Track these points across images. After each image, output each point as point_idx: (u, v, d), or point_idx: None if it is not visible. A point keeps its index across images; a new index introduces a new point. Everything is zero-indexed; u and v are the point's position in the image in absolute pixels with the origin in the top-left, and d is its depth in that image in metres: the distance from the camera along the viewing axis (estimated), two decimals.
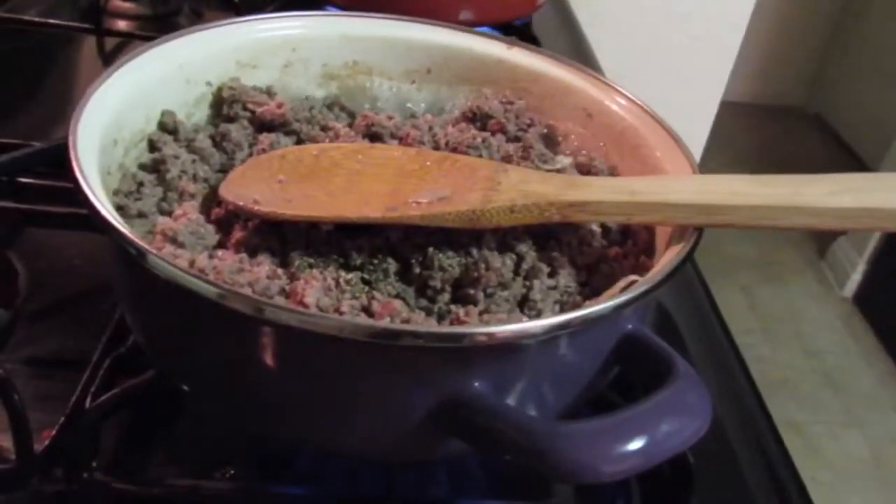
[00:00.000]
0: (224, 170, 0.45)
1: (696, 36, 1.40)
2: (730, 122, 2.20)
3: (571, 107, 0.49)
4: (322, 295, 0.35)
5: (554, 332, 0.31)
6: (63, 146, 0.35)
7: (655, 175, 0.43)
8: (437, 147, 0.48)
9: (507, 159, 0.46)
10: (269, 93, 0.50)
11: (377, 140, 0.48)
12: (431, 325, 0.36)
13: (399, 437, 0.34)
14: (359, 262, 0.39)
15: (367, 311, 0.36)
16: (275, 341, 0.32)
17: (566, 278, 0.40)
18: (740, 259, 2.23)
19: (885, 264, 2.05)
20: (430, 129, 0.49)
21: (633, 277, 0.36)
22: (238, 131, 0.47)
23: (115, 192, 0.41)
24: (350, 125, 0.49)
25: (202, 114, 0.48)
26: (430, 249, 0.39)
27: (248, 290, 0.35)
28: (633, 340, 0.35)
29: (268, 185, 0.41)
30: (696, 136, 1.50)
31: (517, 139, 0.49)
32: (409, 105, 0.53)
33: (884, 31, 2.62)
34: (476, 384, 0.32)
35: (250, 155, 0.46)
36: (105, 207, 0.32)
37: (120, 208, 0.40)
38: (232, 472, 0.40)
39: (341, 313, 0.35)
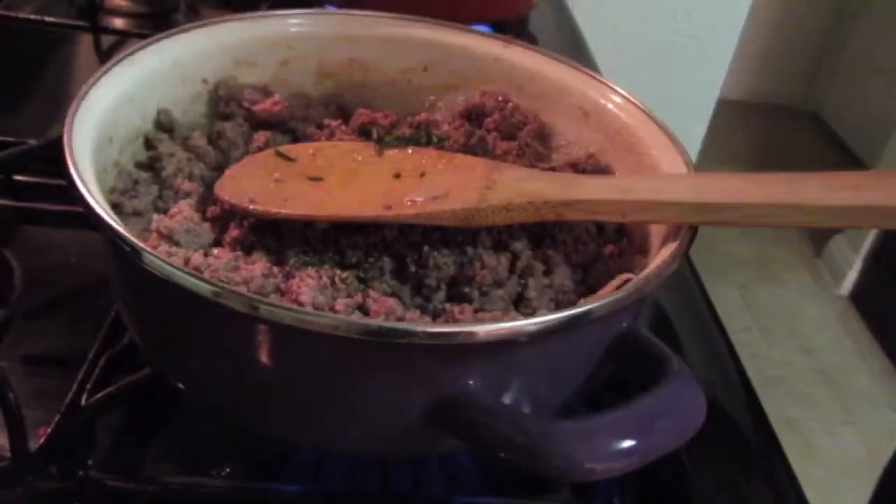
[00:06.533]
0: (220, 168, 0.45)
1: (693, 34, 1.41)
2: (726, 121, 2.20)
3: (568, 105, 0.49)
4: (317, 293, 0.35)
5: (548, 331, 0.31)
6: (58, 143, 0.35)
7: (651, 173, 0.43)
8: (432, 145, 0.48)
9: (502, 158, 0.46)
10: (266, 90, 0.50)
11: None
12: (426, 324, 0.36)
13: (394, 433, 0.34)
14: (354, 260, 0.39)
15: (362, 309, 0.36)
16: (269, 339, 0.32)
17: (561, 276, 0.40)
18: (736, 257, 2.23)
19: (881, 262, 2.06)
20: (426, 127, 0.49)
21: (627, 275, 0.36)
22: (234, 129, 0.47)
23: (111, 190, 0.41)
24: (346, 123, 0.49)
25: (198, 111, 0.48)
26: (426, 248, 0.39)
27: (243, 289, 0.35)
28: (628, 338, 0.35)
29: (263, 183, 0.41)
30: (693, 135, 1.51)
31: (513, 137, 0.49)
32: (405, 103, 0.53)
33: (880, 30, 2.63)
34: (470, 382, 0.32)
35: (246, 153, 0.46)
36: (100, 205, 0.32)
37: (115, 206, 0.40)
38: (228, 469, 0.40)
39: (336, 311, 0.35)
